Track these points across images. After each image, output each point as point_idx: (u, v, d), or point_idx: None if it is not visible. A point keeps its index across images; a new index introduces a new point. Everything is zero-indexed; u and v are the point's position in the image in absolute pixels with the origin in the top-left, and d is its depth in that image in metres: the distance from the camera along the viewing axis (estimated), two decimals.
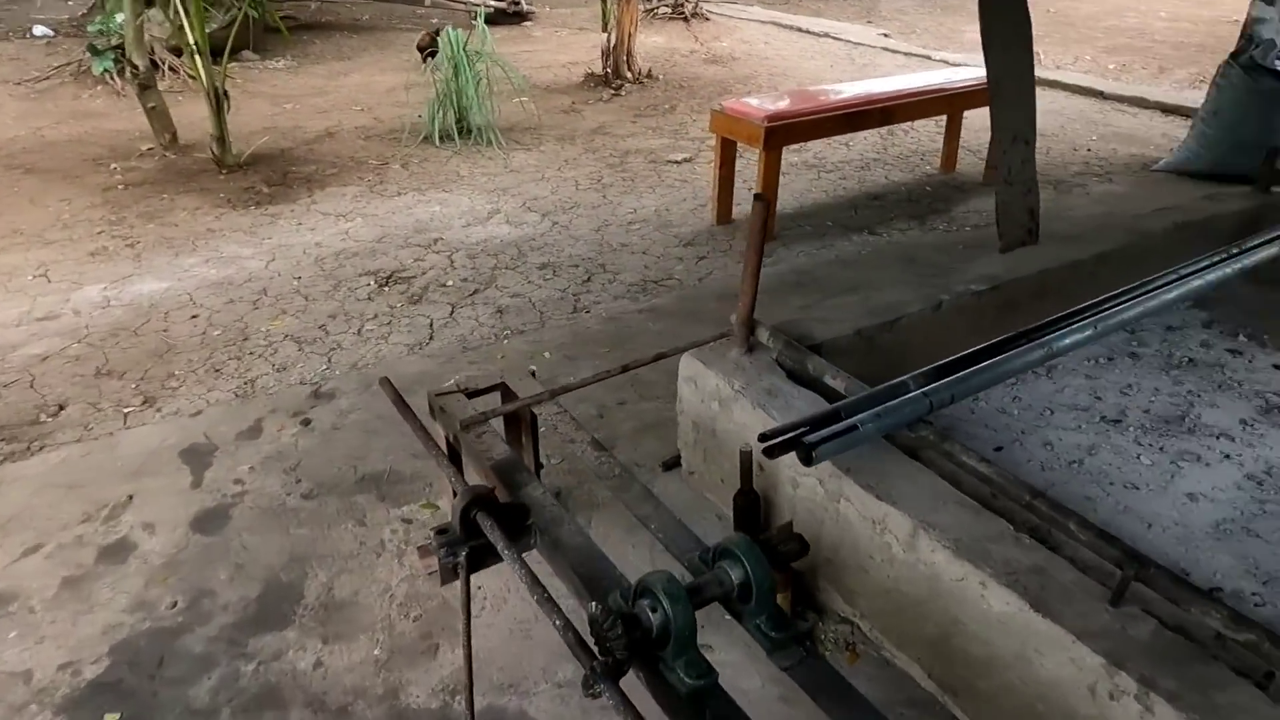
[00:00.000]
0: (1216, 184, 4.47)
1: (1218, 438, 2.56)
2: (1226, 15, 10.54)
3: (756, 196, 1.94)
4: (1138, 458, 2.47)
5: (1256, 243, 2.54)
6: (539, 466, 2.06)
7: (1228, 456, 2.47)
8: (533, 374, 2.04)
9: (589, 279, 3.78)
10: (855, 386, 1.93)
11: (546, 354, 3.11)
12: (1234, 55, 4.79)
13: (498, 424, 1.91)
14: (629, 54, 7.36)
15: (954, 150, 5.24)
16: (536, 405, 1.88)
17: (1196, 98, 6.72)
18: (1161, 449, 2.50)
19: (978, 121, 5.27)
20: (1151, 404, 2.72)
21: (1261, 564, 2.08)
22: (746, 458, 1.93)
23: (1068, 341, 2.01)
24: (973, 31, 10.47)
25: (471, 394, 1.93)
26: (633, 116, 6.46)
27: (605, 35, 7.42)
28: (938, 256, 3.83)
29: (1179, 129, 6.02)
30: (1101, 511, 2.24)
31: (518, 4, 10.00)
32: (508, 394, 1.97)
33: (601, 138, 5.93)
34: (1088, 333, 2.05)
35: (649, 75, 7.48)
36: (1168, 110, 6.65)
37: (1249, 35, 4.77)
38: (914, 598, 1.70)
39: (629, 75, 7.34)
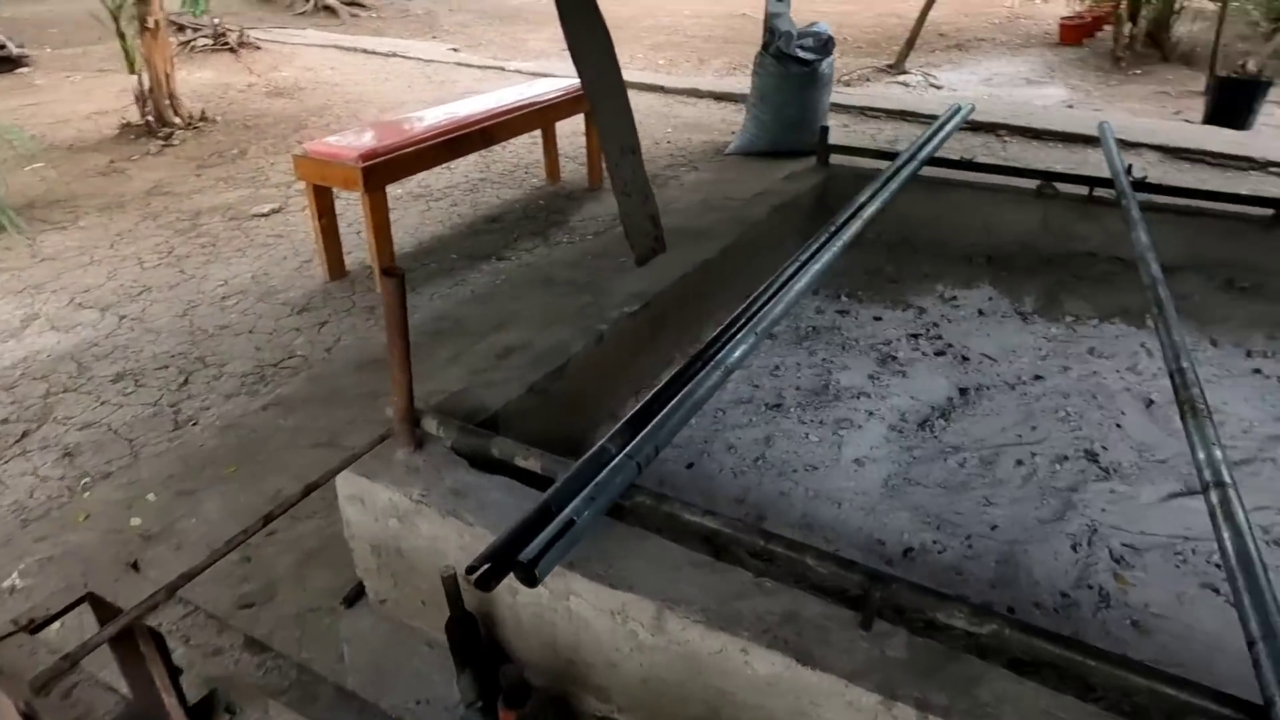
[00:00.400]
0: (782, 160, 5.05)
1: (857, 398, 2.80)
2: (736, 10, 12.24)
3: (385, 272, 1.60)
4: (806, 437, 2.60)
5: (845, 217, 2.80)
6: (178, 683, 1.52)
7: (871, 414, 2.71)
8: (134, 566, 1.49)
9: (186, 381, 3.08)
10: (552, 464, 1.70)
11: (151, 496, 2.44)
12: (764, 47, 5.43)
13: (97, 660, 1.35)
14: (172, 95, 6.31)
15: (555, 160, 5.28)
16: (151, 613, 1.36)
17: (735, 84, 7.63)
18: (821, 422, 2.67)
19: (567, 128, 5.36)
20: (799, 380, 2.91)
21: (929, 510, 2.28)
22: (450, 582, 1.60)
23: (738, 354, 1.99)
24: (536, 40, 10.78)
25: (39, 626, 1.34)
26: (195, 169, 5.54)
27: (135, 77, 6.27)
28: (574, 274, 3.77)
29: (733, 114, 6.75)
30: (797, 504, 2.30)
31: (3, 48, 8.11)
32: (102, 607, 1.40)
33: (161, 199, 4.98)
34: (751, 340, 2.06)
35: (204, 118, 6.50)
36: (719, 98, 7.44)
37: (770, 29, 5.44)
38: (674, 681, 1.54)
39: (178, 120, 6.30)
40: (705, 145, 6.02)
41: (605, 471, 1.56)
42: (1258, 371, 2.89)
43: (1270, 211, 3.20)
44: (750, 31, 9.73)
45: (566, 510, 1.45)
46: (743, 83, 6.48)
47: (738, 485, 2.38)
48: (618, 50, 2.99)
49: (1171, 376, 1.95)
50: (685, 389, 1.84)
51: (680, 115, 6.90)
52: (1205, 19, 10.47)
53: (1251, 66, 6.78)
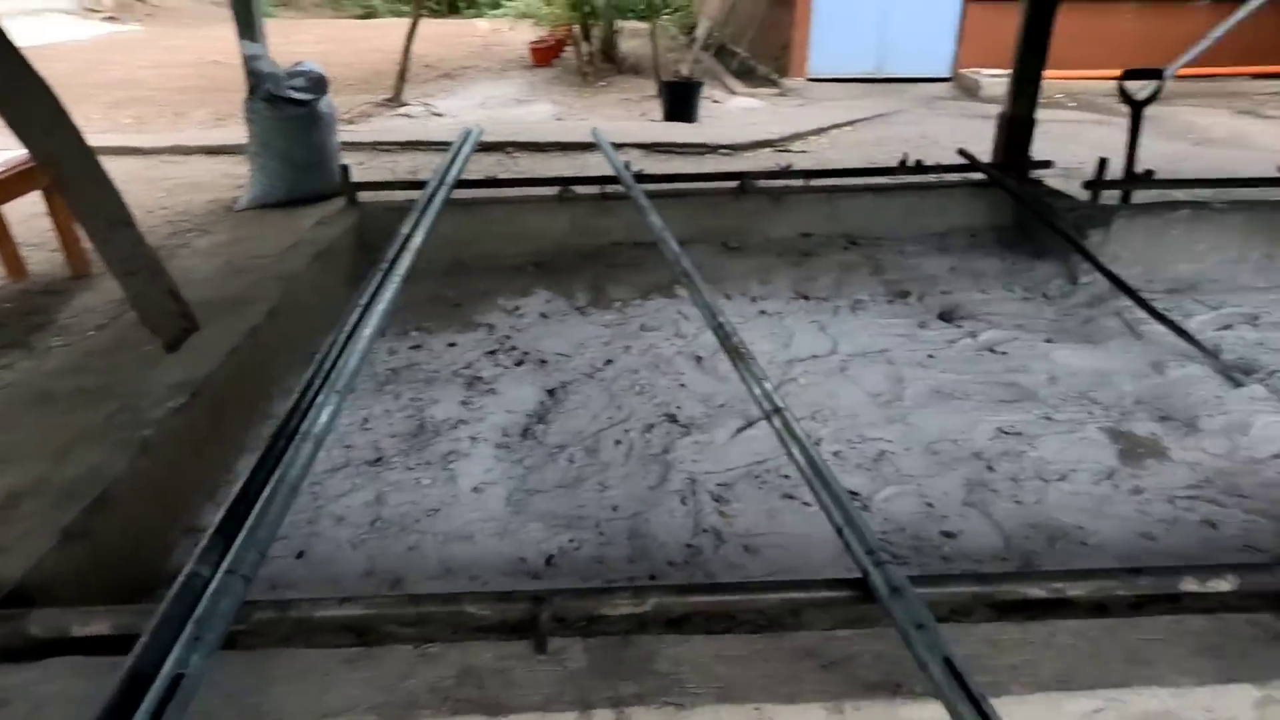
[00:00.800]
0: (305, 207, 4.74)
1: (456, 427, 2.75)
2: (205, 57, 11.20)
3: None
4: (418, 482, 2.48)
5: (394, 252, 2.72)
6: None
7: (474, 439, 2.68)
8: None
9: None
10: (129, 617, 1.36)
11: None
12: (252, 91, 5.02)
13: None
14: None
15: (13, 251, 4.25)
16: None
17: (228, 135, 6.99)
18: (429, 462, 2.57)
19: (21, 210, 4.36)
20: (393, 427, 2.76)
21: (556, 512, 2.33)
22: None
23: (324, 420, 1.80)
24: None
25: None
26: None
27: None
28: (84, 380, 3.06)
29: (234, 167, 6.17)
30: (430, 553, 2.18)
31: None
32: None
33: None
34: (334, 400, 1.87)
35: None
36: (212, 151, 6.74)
37: (253, 72, 5.05)
38: None
39: None
40: (211, 205, 5.39)
41: (205, 600, 1.29)
42: (763, 312, 3.52)
43: (736, 184, 3.91)
44: (229, 78, 8.97)
45: (168, 665, 1.17)
46: (237, 132, 5.94)
47: (361, 556, 2.17)
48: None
49: (714, 332, 2.26)
50: (276, 473, 1.60)
51: (171, 176, 6.09)
52: (640, 35, 12.42)
53: (684, 71, 8.22)
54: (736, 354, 2.09)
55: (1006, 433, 2.67)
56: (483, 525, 2.29)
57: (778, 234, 4.01)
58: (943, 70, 10.14)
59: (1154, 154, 4.08)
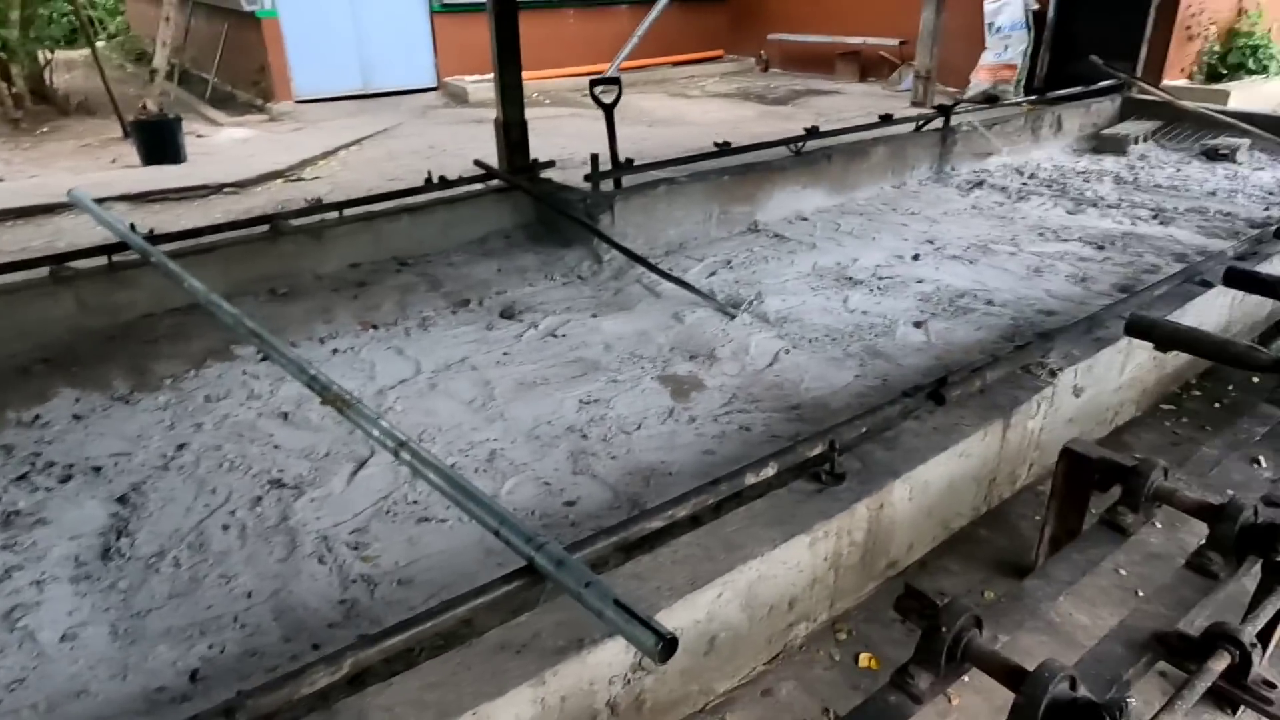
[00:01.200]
0: None
1: (6, 577, 2.29)
2: None
3: None
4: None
5: None
6: None
7: (39, 582, 2.28)
8: None
9: None
10: None
11: None
12: None
13: None
14: None
15: None
16: None
17: None
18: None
19: None
20: None
21: (175, 626, 2.13)
22: None
23: None
24: None
25: None
26: None
27: None
28: None
29: None
30: None
31: None
32: None
33: None
34: None
35: None
36: None
37: None
38: None
39: None
40: None
41: None
42: (336, 351, 3.46)
43: (267, 227, 3.73)
44: None
45: None
46: None
47: None
48: None
49: (309, 387, 2.22)
50: None
51: None
52: (78, 67, 10.70)
53: (152, 106, 7.33)
54: (342, 403, 2.10)
55: (586, 403, 3.07)
56: (93, 673, 1.98)
57: (326, 270, 3.94)
58: (428, 80, 10.57)
59: (622, 138, 4.84)
